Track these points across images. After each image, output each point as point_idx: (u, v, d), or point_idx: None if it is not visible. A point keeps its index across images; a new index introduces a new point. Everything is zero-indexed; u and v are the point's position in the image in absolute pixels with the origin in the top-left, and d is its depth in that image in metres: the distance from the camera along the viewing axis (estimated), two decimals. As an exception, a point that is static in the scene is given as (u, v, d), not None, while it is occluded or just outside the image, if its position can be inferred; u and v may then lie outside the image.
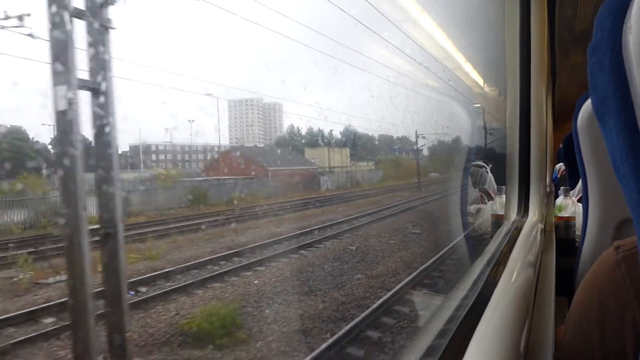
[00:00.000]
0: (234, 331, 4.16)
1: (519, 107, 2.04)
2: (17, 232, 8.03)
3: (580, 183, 2.44)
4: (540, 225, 1.82)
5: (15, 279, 5.56)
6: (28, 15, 5.27)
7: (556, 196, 2.41)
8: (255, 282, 5.92)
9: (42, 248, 6.62)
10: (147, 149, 22.02)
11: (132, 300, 4.71)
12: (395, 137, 30.67)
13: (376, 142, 30.89)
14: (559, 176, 4.06)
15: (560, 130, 5.20)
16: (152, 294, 5.07)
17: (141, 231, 8.46)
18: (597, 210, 1.30)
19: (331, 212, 12.57)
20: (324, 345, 3.64)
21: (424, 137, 21.63)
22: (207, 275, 5.94)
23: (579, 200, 2.00)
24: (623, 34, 0.35)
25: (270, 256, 7.13)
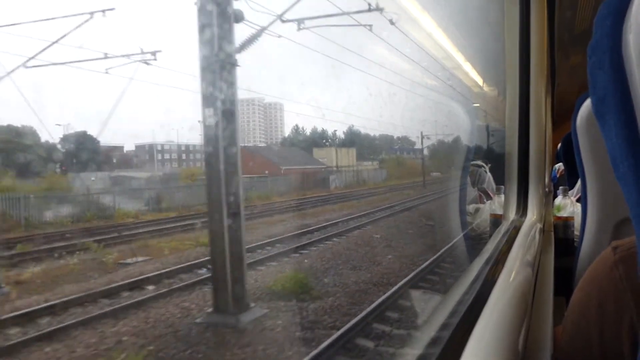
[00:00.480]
0: (309, 290, 5.47)
1: (518, 107, 2.04)
2: (69, 225, 9.00)
3: (579, 183, 2.44)
4: (539, 225, 1.82)
5: (101, 260, 6.73)
6: (159, 51, 7.47)
7: (555, 196, 2.41)
8: (305, 261, 7.19)
9: (104, 237, 7.97)
10: (152, 149, 21.95)
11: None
12: (395, 137, 30.78)
13: (377, 142, 31.02)
14: (557, 176, 4.07)
15: (559, 131, 5.20)
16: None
17: (191, 222, 9.59)
18: (596, 210, 1.30)
19: (347, 208, 13.75)
20: (381, 299, 4.81)
21: (428, 138, 21.78)
22: (260, 257, 6.98)
23: (577, 200, 2.00)
24: (623, 33, 0.35)
25: (308, 243, 8.29)
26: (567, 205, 2.08)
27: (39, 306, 4.81)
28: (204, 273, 6.03)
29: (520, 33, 2.01)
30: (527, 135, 2.03)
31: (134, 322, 4.54)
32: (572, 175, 2.81)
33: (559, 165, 4.04)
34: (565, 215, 1.96)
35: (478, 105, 4.47)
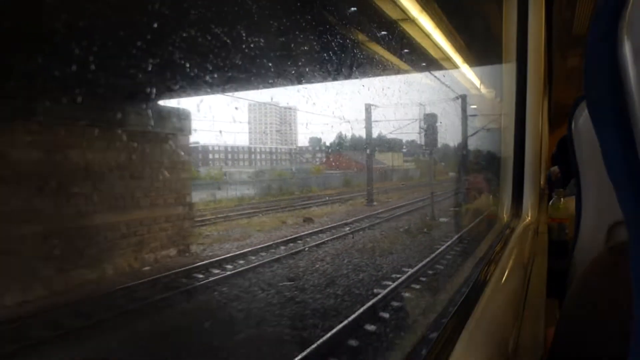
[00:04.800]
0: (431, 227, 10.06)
1: (514, 109, 2.04)
2: (326, 190, 13.72)
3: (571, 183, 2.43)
4: (534, 227, 1.82)
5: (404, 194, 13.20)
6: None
7: (550, 198, 2.41)
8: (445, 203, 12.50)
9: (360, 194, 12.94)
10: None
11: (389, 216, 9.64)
12: (404, 140, 32.09)
13: (409, 146, 32.90)
14: (552, 179, 4.08)
15: (555, 133, 5.21)
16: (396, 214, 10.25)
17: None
18: (591, 212, 1.30)
19: (416, 192, 16.61)
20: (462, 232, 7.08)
21: (459, 143, 24.41)
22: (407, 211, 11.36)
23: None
24: (619, 32, 0.34)
25: (419, 207, 12.30)
26: (562, 207, 2.08)
27: (392, 207, 10.26)
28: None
29: (518, 34, 2.00)
30: (523, 137, 2.03)
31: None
32: (567, 177, 2.82)
33: (554, 168, 4.05)
34: (559, 217, 1.96)
35: (476, 106, 4.49)
